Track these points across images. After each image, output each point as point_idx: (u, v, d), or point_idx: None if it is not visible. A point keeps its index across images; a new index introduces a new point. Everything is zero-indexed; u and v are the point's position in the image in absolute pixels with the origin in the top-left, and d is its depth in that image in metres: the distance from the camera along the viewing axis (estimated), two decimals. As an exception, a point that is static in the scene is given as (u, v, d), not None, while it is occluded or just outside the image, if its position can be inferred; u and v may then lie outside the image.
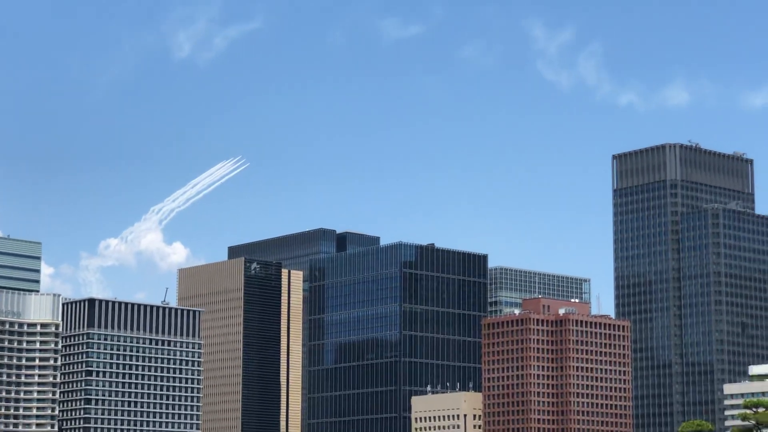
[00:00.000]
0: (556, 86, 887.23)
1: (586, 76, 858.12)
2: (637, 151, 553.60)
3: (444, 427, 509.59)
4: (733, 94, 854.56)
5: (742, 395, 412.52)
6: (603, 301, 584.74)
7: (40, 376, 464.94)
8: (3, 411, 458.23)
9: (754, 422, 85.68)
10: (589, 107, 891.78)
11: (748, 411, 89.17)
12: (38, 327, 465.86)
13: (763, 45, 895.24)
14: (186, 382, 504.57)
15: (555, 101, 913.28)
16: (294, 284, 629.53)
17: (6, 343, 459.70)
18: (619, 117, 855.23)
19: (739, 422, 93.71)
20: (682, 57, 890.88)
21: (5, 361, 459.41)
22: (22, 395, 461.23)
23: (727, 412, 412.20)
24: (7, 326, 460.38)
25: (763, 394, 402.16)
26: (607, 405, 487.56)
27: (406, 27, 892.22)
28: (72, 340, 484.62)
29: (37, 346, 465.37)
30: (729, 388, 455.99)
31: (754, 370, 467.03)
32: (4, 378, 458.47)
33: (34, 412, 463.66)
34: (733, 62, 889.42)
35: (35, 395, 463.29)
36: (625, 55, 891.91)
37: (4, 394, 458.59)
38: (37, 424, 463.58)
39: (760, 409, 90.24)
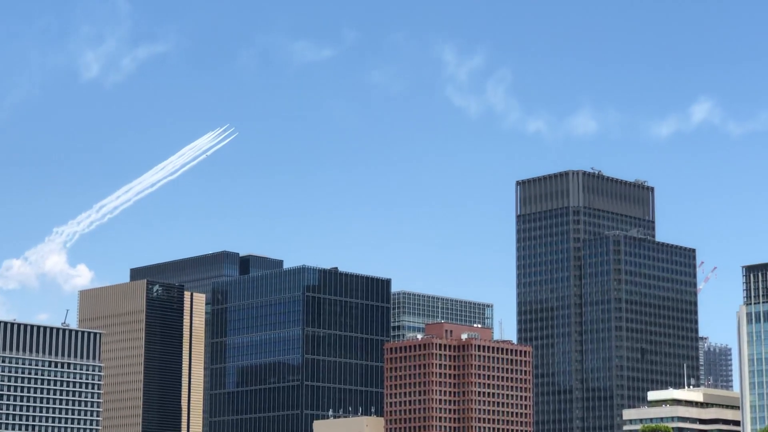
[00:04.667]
0: (465, 112, 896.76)
1: (494, 103, 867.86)
2: (540, 178, 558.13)
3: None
4: (638, 124, 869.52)
5: (641, 420, 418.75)
6: (505, 327, 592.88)
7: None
8: None
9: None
10: (496, 134, 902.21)
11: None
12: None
13: (669, 77, 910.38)
14: (86, 405, 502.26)
15: (463, 127, 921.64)
16: (196, 307, 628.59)
17: None
18: (526, 144, 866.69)
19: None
20: (590, 86, 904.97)
21: None
22: None
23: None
24: None
25: (661, 419, 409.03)
26: (508, 430, 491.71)
27: (318, 51, 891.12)
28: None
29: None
30: (628, 414, 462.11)
31: (653, 395, 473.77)
32: None
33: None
34: (639, 93, 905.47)
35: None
36: (534, 83, 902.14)
37: None
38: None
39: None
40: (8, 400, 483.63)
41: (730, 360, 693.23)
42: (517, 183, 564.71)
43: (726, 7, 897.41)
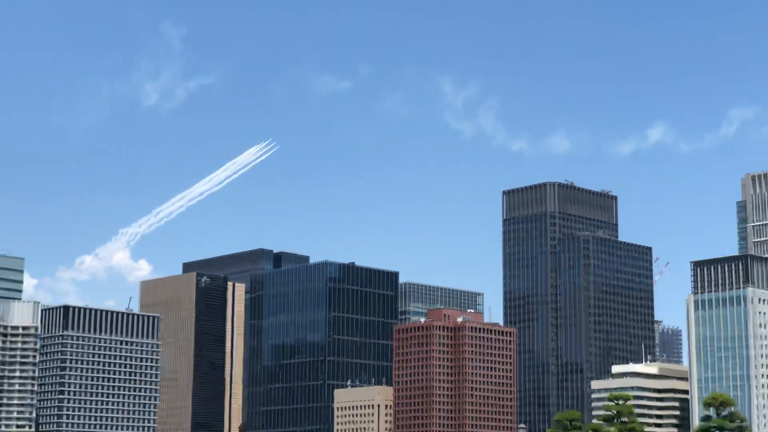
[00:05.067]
0: (460, 134, 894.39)
1: (485, 126, 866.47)
2: (523, 188, 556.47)
3: (361, 415, 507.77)
4: (604, 143, 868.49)
5: (606, 390, 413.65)
6: (493, 312, 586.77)
7: (21, 371, 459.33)
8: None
9: (615, 412, 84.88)
10: (486, 151, 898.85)
11: (610, 403, 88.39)
12: (20, 329, 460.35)
13: (630, 104, 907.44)
14: (146, 377, 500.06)
15: (458, 146, 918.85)
16: (237, 295, 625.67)
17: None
18: (510, 160, 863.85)
19: (603, 412, 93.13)
20: (564, 112, 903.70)
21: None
22: (5, 387, 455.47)
23: (593, 404, 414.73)
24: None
25: (623, 389, 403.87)
26: (495, 397, 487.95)
27: (338, 83, 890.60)
28: (49, 340, 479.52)
29: (19, 345, 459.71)
30: (595, 384, 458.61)
31: (616, 369, 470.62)
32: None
33: (15, 401, 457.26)
34: (605, 118, 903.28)
35: (17, 387, 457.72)
36: (517, 109, 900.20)
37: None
38: (18, 413, 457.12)
39: (621, 402, 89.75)
40: (82, 372, 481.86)
41: (681, 340, 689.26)
42: (504, 192, 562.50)
43: (677, 44, 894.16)
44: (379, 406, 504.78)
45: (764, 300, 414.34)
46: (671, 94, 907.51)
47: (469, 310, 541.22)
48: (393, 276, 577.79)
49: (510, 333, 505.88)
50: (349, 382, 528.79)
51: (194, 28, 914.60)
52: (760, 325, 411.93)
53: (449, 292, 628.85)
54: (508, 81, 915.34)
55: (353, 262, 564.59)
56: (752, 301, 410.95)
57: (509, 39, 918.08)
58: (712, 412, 75.44)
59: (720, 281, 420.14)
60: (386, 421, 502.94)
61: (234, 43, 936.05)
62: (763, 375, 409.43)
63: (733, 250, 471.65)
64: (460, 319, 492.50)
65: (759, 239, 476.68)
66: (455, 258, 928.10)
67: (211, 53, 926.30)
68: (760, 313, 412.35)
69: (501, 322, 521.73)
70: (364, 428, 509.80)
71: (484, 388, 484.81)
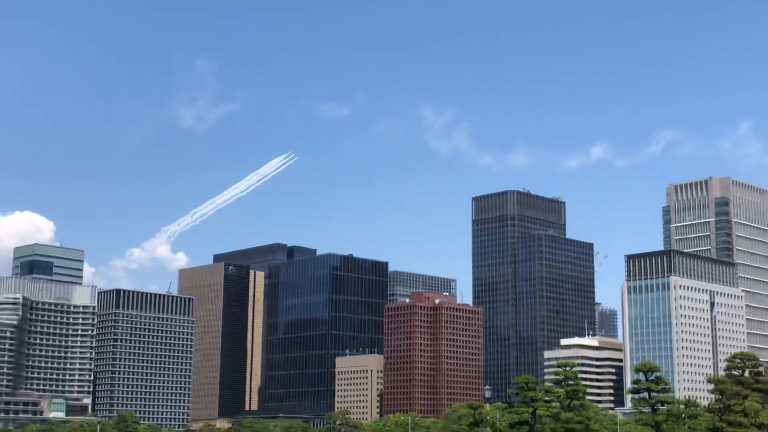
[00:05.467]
0: (438, 151, 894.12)
1: (458, 145, 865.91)
2: (488, 195, 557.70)
3: (358, 379, 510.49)
4: (555, 159, 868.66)
5: (556, 359, 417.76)
6: (464, 295, 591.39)
7: (81, 342, 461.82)
8: (56, 365, 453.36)
9: (563, 377, 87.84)
10: (459, 166, 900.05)
11: (559, 369, 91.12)
12: (80, 308, 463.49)
13: (575, 127, 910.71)
14: (182, 347, 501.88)
15: (437, 162, 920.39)
16: (258, 281, 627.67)
17: (58, 319, 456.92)
18: (479, 173, 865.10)
19: (553, 377, 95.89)
20: (523, 134, 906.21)
21: (58, 331, 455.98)
22: (68, 356, 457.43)
23: (545, 370, 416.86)
24: (59, 307, 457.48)
25: (570, 358, 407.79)
26: (466, 364, 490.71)
27: (340, 109, 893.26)
28: (104, 317, 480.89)
29: (80, 321, 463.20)
30: (547, 354, 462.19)
31: (564, 342, 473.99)
32: (57, 343, 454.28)
33: (77, 367, 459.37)
34: (556, 138, 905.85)
35: (78, 355, 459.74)
36: (485, 132, 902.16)
37: (56, 353, 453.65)
38: (79, 376, 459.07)
39: (567, 368, 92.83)
40: (130, 343, 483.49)
41: (616, 318, 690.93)
42: (473, 199, 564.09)
43: (614, 78, 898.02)
44: (372, 371, 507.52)
45: (684, 287, 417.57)
46: (610, 119, 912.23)
47: (444, 294, 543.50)
48: (384, 265, 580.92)
49: (478, 312, 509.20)
50: (347, 352, 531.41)
51: (224, 64, 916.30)
52: (680, 307, 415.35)
53: (429, 279, 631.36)
54: (478, 109, 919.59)
55: (352, 254, 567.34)
56: (674, 288, 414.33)
57: (479, 74, 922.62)
58: (641, 376, 78.47)
59: (648, 271, 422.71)
60: (378, 383, 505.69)
61: (256, 77, 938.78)
62: (682, 347, 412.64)
63: (659, 246, 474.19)
64: (437, 301, 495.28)
65: (680, 237, 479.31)
66: (434, 251, 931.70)
67: (237, 84, 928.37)
68: (680, 297, 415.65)
69: (470, 304, 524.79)
70: (360, 389, 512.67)
71: (456, 357, 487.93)
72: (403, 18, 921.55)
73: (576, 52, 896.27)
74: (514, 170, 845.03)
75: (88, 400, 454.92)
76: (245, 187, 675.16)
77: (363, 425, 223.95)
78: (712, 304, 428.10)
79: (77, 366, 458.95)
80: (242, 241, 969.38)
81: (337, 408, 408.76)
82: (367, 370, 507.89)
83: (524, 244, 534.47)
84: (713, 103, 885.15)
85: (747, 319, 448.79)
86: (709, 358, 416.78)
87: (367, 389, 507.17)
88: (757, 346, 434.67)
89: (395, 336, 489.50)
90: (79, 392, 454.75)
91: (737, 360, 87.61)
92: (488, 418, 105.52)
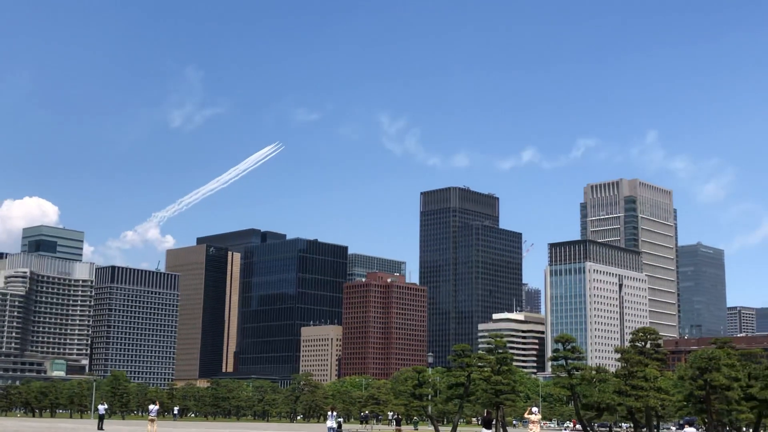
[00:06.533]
0: (393, 153, 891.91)
1: (409, 148, 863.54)
2: (434, 191, 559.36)
3: (319, 346, 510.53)
4: (491, 161, 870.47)
5: (488, 330, 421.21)
6: (412, 275, 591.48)
7: (80, 311, 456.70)
8: (58, 331, 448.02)
9: (494, 345, 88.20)
10: (410, 166, 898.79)
11: (491, 339, 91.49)
12: (80, 282, 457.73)
13: (508, 134, 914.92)
14: (168, 317, 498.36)
15: (391, 161, 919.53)
16: (235, 261, 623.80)
17: (61, 291, 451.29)
18: (427, 172, 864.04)
19: (485, 346, 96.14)
20: (465, 139, 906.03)
21: (60, 301, 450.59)
22: (69, 322, 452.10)
23: (479, 340, 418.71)
24: (61, 281, 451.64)
25: (500, 330, 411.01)
26: (412, 335, 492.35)
27: (309, 114, 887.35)
28: (101, 290, 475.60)
29: (79, 293, 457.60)
30: (481, 327, 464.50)
31: (495, 316, 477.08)
32: (59, 312, 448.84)
33: (77, 332, 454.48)
34: (492, 143, 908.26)
35: (77, 322, 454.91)
36: (433, 137, 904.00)
37: (58, 322, 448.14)
38: (78, 341, 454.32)
39: (498, 338, 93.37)
40: (123, 313, 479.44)
41: (540, 297, 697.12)
42: (421, 193, 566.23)
43: (542, 90, 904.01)
44: (332, 339, 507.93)
45: (597, 271, 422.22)
46: (538, 128, 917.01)
47: (395, 274, 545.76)
48: (344, 249, 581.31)
49: (423, 290, 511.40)
50: (311, 323, 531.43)
51: (209, 73, 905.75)
52: (594, 288, 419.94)
53: (382, 261, 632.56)
54: (427, 117, 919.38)
55: (316, 239, 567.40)
56: (589, 272, 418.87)
57: (429, 88, 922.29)
58: (559, 346, 79.23)
59: (568, 257, 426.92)
60: (337, 350, 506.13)
61: (237, 84, 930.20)
62: (595, 321, 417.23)
63: (577, 236, 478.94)
64: (389, 280, 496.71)
65: (595, 229, 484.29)
66: (387, 237, 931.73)
67: (221, 90, 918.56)
68: (594, 279, 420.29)
69: (417, 283, 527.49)
70: (322, 355, 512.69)
71: (404, 328, 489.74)
72: (367, 37, 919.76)
73: (510, 70, 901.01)
74: (456, 170, 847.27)
75: (85, 362, 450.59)
76: (226, 180, 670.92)
77: (323, 385, 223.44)
78: (620, 286, 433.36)
79: (76, 332, 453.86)
80: (222, 226, 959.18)
81: (302, 371, 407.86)
82: (327, 339, 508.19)
83: (464, 232, 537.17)
84: (626, 115, 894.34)
85: (649, 299, 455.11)
86: (617, 332, 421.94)
87: (327, 355, 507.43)
88: (657, 322, 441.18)
89: (352, 310, 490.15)
90: (78, 354, 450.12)
91: (640, 333, 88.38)
92: (430, 380, 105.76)
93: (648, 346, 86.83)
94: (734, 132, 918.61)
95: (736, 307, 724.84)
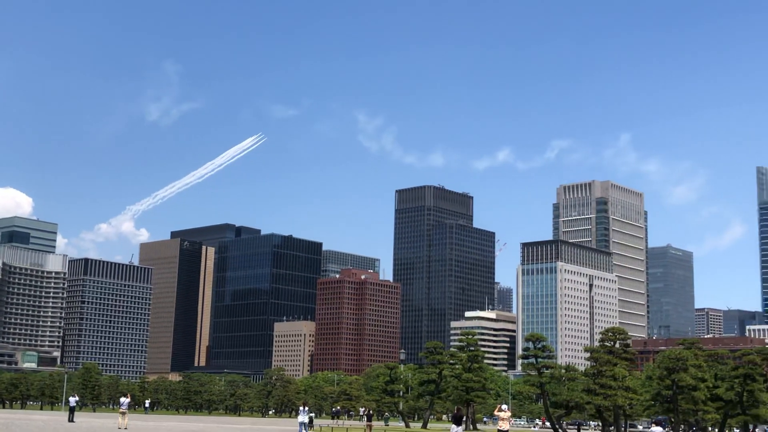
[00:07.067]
0: (369, 150, 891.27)
1: (386, 145, 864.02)
2: (410, 189, 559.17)
3: (292, 342, 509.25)
4: (466, 161, 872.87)
5: (461, 328, 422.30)
6: (386, 272, 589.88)
7: (53, 303, 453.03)
8: (30, 322, 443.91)
9: (466, 343, 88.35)
10: (387, 163, 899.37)
11: (462, 337, 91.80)
12: (53, 274, 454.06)
13: (483, 135, 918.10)
14: (141, 311, 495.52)
15: (368, 159, 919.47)
16: (209, 255, 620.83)
17: (33, 283, 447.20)
18: (403, 170, 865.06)
19: (457, 343, 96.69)
20: (441, 138, 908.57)
21: (33, 293, 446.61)
22: (41, 314, 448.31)
23: (452, 338, 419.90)
24: (34, 272, 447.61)
25: (472, 327, 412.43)
26: (385, 331, 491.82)
27: (287, 110, 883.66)
28: (74, 282, 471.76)
29: (52, 285, 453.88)
30: (453, 324, 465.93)
31: (468, 314, 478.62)
32: (32, 304, 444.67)
33: (49, 324, 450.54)
34: (469, 142, 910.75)
35: (50, 314, 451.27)
36: (409, 135, 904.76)
37: (30, 314, 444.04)
38: (50, 333, 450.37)
39: (470, 336, 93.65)
40: (95, 305, 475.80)
41: (512, 296, 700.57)
42: (396, 191, 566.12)
43: (517, 94, 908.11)
44: (305, 335, 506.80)
45: (568, 271, 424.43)
46: (514, 129, 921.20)
47: (369, 271, 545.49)
48: (318, 245, 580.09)
49: (397, 287, 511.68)
50: (284, 318, 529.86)
51: (187, 67, 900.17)
52: (565, 288, 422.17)
53: (356, 258, 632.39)
54: (404, 116, 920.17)
55: (291, 235, 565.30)
56: (560, 271, 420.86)
57: (406, 87, 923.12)
58: (530, 344, 79.50)
59: (540, 257, 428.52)
60: (309, 346, 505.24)
61: (215, 80, 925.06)
62: (565, 321, 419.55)
63: (549, 236, 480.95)
64: (363, 277, 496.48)
65: (567, 229, 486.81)
66: (362, 234, 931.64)
67: (198, 86, 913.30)
68: (565, 279, 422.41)
69: (391, 280, 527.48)
70: (294, 350, 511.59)
71: (377, 324, 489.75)
72: (345, 34, 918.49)
73: (486, 71, 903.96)
74: (432, 168, 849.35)
75: (57, 353, 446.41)
76: (202, 175, 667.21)
77: (295, 381, 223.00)
78: (591, 286, 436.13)
79: (49, 323, 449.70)
80: (197, 220, 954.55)
81: (274, 366, 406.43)
82: (300, 334, 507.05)
83: (438, 231, 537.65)
84: (600, 118, 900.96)
85: (619, 299, 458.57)
86: (587, 331, 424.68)
87: (300, 351, 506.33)
88: (626, 322, 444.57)
89: (326, 305, 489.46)
90: (49, 346, 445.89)
91: (610, 333, 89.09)
92: (402, 376, 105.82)
93: (617, 345, 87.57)
94: (706, 136, 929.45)
95: (703, 309, 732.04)
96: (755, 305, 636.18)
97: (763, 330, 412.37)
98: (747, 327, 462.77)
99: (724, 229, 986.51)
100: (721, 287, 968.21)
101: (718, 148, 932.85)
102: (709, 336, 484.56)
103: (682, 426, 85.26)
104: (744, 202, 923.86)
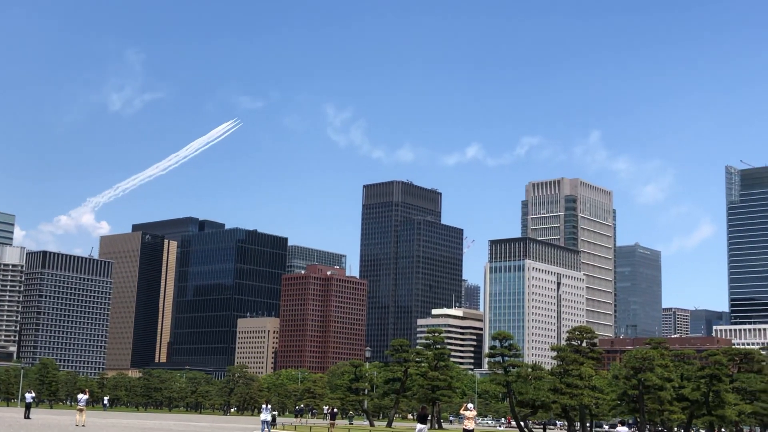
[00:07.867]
0: (337, 144, 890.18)
1: (354, 139, 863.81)
2: (377, 184, 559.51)
3: (256, 338, 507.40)
4: (435, 157, 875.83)
5: (427, 325, 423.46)
6: (353, 269, 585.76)
7: (9, 296, 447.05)
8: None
9: (432, 341, 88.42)
10: (354, 158, 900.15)
11: (429, 334, 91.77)
12: (10, 267, 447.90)
13: (454, 131, 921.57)
14: (101, 305, 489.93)
15: (336, 153, 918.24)
16: (171, 249, 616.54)
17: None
18: (371, 165, 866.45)
19: (423, 341, 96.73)
20: (410, 133, 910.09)
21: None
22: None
23: (418, 335, 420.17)
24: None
25: (439, 325, 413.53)
26: (351, 328, 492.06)
27: (254, 102, 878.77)
28: (31, 275, 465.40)
29: (9, 278, 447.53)
30: (420, 322, 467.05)
31: (434, 311, 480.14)
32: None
33: (5, 318, 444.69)
34: (438, 138, 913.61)
35: (6, 308, 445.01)
36: (378, 129, 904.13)
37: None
38: (6, 327, 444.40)
39: (436, 334, 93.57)
40: (54, 300, 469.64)
41: (479, 293, 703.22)
42: (364, 186, 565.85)
43: (487, 91, 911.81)
44: (269, 331, 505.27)
45: (536, 269, 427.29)
46: (484, 125, 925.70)
47: (335, 267, 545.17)
48: (283, 240, 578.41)
49: (363, 284, 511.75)
50: (248, 314, 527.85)
51: (151, 56, 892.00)
52: (532, 286, 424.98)
53: (322, 254, 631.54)
54: (373, 109, 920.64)
55: (256, 229, 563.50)
56: (528, 269, 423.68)
57: (376, 80, 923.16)
58: (497, 343, 79.95)
59: (507, 254, 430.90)
60: (273, 343, 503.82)
61: (179, 69, 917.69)
62: (532, 319, 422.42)
63: (517, 234, 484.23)
64: (329, 273, 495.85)
65: (535, 227, 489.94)
66: (328, 229, 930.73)
67: (162, 75, 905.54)
68: (533, 277, 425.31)
69: (357, 276, 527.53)
70: (258, 347, 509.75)
71: (343, 321, 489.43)
72: (315, 26, 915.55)
73: (458, 66, 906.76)
74: (400, 164, 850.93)
75: (13, 348, 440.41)
76: (165, 167, 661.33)
77: (259, 378, 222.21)
78: (559, 285, 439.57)
79: (5, 317, 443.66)
80: (159, 213, 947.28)
81: (237, 363, 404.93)
82: (264, 331, 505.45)
83: (405, 227, 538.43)
84: (570, 115, 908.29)
85: (587, 298, 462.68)
86: (554, 330, 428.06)
87: (263, 347, 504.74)
88: (594, 321, 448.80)
89: (291, 302, 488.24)
90: (5, 341, 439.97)
91: (577, 332, 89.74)
92: (367, 374, 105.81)
93: (584, 344, 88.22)
94: (676, 136, 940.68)
95: (671, 308, 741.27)
96: (722, 305, 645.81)
97: (730, 330, 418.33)
98: (714, 327, 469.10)
99: (692, 228, 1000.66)
100: (689, 287, 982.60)
101: (688, 147, 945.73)
102: (676, 336, 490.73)
103: (648, 426, 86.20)
104: (712, 201, 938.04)
